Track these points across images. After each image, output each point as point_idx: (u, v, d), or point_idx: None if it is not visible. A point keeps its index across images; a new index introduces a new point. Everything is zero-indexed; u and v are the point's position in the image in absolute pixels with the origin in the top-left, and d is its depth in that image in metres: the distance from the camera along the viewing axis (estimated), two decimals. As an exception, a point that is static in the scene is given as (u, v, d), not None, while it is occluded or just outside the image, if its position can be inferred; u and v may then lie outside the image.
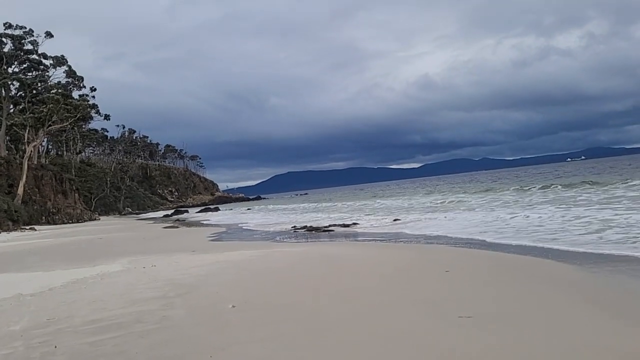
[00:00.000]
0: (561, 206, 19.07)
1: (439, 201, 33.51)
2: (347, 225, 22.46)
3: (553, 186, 32.61)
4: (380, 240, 14.25)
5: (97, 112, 73.74)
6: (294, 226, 24.57)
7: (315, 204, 54.82)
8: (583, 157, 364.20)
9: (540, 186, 33.36)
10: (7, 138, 71.63)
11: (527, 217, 16.60)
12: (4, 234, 33.35)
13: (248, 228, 26.90)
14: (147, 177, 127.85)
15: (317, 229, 22.04)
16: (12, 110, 66.71)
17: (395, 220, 22.91)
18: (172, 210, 77.87)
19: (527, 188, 33.88)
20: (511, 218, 16.89)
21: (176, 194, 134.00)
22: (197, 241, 19.09)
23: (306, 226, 23.65)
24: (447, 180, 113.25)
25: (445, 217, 21.13)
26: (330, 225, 22.81)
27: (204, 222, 39.30)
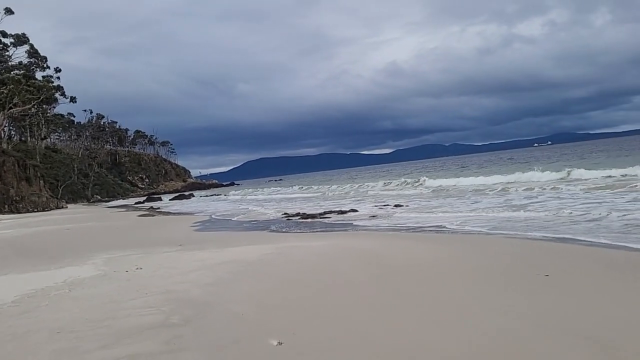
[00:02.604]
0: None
1: (436, 187, 31.63)
2: (344, 212, 20.41)
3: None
4: (403, 230, 12.14)
5: (63, 94, 69.75)
6: (285, 213, 22.39)
7: (296, 190, 52.63)
8: (550, 143, 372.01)
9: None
10: (-35, 122, 67.21)
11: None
12: (-41, 224, 30.22)
13: (233, 216, 24.55)
14: (117, 164, 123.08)
15: (312, 216, 19.94)
16: (-32, 92, 62.38)
17: (396, 206, 20.99)
18: (145, 198, 74.43)
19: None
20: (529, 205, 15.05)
21: (147, 180, 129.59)
22: (181, 232, 16.74)
23: (299, 213, 21.50)
24: (427, 165, 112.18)
25: (462, 203, 19.34)
26: (325, 213, 20.72)
27: (182, 210, 36.69)
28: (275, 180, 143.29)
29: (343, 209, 21.51)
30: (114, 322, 4.64)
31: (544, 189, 20.85)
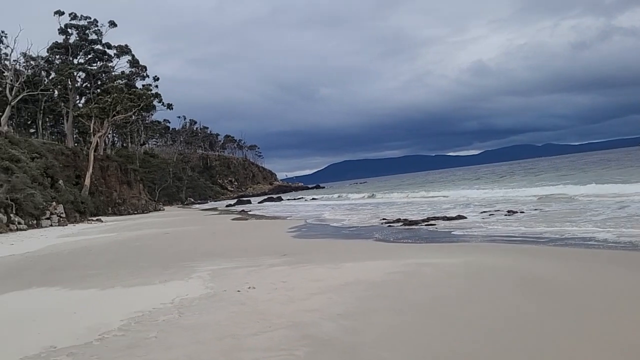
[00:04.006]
0: None
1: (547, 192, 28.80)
2: (451, 219, 18.72)
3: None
4: (541, 242, 10.32)
5: (160, 101, 72.96)
6: (384, 219, 21.08)
7: (387, 193, 51.01)
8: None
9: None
10: (75, 130, 72.33)
11: None
12: (70, 225, 31.97)
13: (330, 221, 23.56)
14: (208, 167, 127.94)
15: (415, 222, 18.46)
16: (78, 102, 67.02)
17: (509, 212, 18.98)
18: (234, 200, 76.22)
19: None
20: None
21: (236, 183, 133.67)
22: (279, 238, 15.99)
23: (399, 219, 20.07)
24: (525, 166, 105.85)
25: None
26: (428, 219, 19.16)
27: (273, 214, 36.50)
28: (360, 183, 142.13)
29: (448, 215, 19.85)
30: (241, 372, 3.62)
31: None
